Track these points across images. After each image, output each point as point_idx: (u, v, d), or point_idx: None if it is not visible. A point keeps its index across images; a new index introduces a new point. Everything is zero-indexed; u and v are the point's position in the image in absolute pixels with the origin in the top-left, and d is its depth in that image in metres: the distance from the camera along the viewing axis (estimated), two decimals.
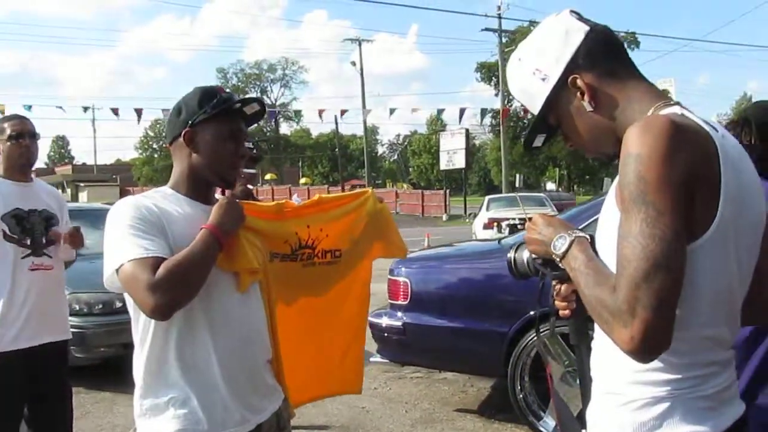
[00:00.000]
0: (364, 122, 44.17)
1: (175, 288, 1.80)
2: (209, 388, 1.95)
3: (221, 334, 1.97)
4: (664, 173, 1.25)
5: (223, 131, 2.03)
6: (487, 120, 57.76)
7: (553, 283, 1.68)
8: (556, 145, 55.37)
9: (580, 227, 1.57)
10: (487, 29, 41.34)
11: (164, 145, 2.68)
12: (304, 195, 49.78)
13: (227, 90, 2.13)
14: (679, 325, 1.31)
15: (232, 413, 1.98)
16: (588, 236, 1.48)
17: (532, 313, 4.71)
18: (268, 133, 75.00)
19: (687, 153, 1.27)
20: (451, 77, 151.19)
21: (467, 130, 41.49)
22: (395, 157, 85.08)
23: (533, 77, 1.54)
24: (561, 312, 1.68)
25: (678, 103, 1.44)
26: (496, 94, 53.88)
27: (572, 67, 1.49)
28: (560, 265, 1.48)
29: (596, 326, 1.50)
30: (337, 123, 43.26)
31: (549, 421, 4.69)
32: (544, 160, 58.47)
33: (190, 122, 2.02)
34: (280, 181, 55.68)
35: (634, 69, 1.52)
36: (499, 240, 5.99)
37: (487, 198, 20.86)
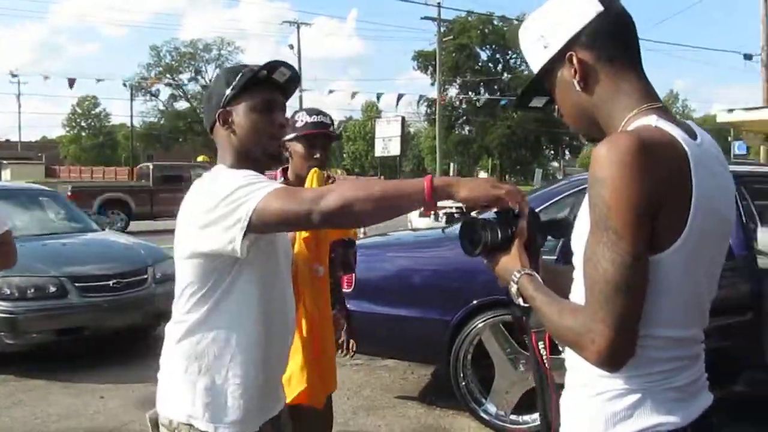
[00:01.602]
0: (300, 105, 43.68)
1: (342, 209, 1.69)
2: (259, 371, 1.95)
3: (275, 319, 1.99)
4: (626, 199, 1.29)
5: (255, 103, 1.98)
6: (423, 108, 58.17)
7: None
8: (489, 135, 56.20)
9: None
10: (426, 18, 41.43)
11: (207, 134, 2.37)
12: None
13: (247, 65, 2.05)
14: (651, 327, 1.37)
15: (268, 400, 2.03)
16: (533, 272, 1.54)
17: (475, 302, 4.81)
18: (201, 114, 73.35)
19: (651, 175, 1.29)
20: (389, 64, 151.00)
21: (403, 118, 41.39)
22: None
23: (537, 42, 1.55)
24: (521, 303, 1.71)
25: (660, 108, 1.47)
26: (433, 83, 54.21)
27: (573, 42, 1.49)
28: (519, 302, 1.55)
29: None
30: None
31: (489, 407, 4.79)
32: (477, 150, 59.14)
33: (221, 103, 1.99)
34: (213, 163, 54.70)
35: (636, 63, 1.51)
36: (443, 229, 6.05)
37: None
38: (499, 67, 61.82)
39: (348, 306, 5.21)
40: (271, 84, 2.02)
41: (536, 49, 1.56)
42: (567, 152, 69.86)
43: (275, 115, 2.01)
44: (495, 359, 4.82)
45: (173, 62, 71.99)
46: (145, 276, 6.95)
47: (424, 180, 1.68)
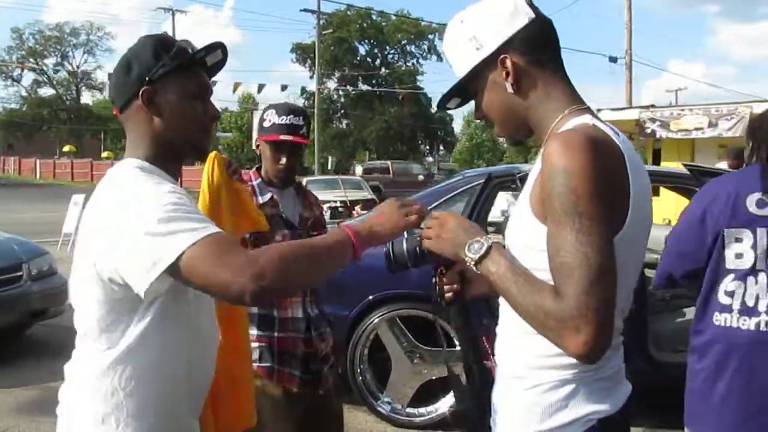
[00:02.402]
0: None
1: (280, 275, 1.43)
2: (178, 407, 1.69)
3: (196, 349, 1.71)
4: (592, 184, 1.35)
5: (190, 88, 1.71)
6: (301, 101, 57.78)
7: (442, 270, 1.76)
8: (366, 129, 56.58)
9: None
10: (305, 10, 41.23)
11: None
12: (107, 168, 46.93)
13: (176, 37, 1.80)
14: None
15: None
16: (501, 242, 1.55)
17: (371, 297, 4.86)
18: (67, 102, 70.06)
19: (607, 165, 1.39)
20: (266, 56, 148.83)
21: None
22: None
23: (469, 43, 1.58)
24: (447, 296, 1.77)
25: (588, 109, 1.56)
26: (311, 76, 53.99)
27: (507, 46, 1.54)
28: (474, 268, 1.50)
29: (502, 315, 1.60)
30: None
31: (386, 401, 4.87)
32: (354, 143, 59.42)
33: (147, 78, 1.66)
34: (80, 154, 52.27)
35: (561, 68, 1.60)
36: (338, 224, 6.06)
37: (304, 180, 20.92)
38: (377, 61, 62.32)
39: None
40: (201, 65, 1.76)
41: (467, 50, 1.59)
42: (441, 147, 71.36)
43: (208, 105, 1.76)
44: (391, 353, 4.89)
45: (37, 46, 67.90)
46: (20, 273, 6.53)
47: (348, 236, 1.59)
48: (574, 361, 1.44)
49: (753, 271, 2.37)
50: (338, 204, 14.72)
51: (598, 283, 1.32)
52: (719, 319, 2.40)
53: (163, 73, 1.67)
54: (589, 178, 1.35)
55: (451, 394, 4.76)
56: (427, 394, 4.81)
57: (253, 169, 2.89)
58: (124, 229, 1.48)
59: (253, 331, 2.76)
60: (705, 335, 2.43)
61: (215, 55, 1.76)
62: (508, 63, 1.54)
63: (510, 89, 1.56)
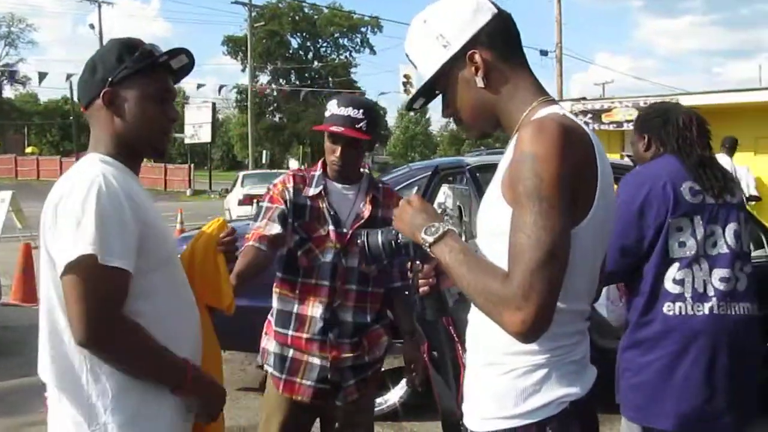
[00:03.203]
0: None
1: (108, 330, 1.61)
2: None
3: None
4: (557, 172, 1.39)
5: (150, 90, 1.80)
6: (232, 95, 57.07)
7: (417, 263, 1.79)
8: (301, 122, 56.22)
9: None
10: (237, 2, 40.56)
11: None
12: (33, 165, 45.59)
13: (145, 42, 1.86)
14: (561, 301, 1.46)
15: None
16: (455, 230, 1.58)
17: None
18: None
19: (575, 153, 1.43)
20: (196, 49, 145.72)
21: (214, 104, 40.66)
22: None
23: (436, 41, 1.59)
24: (421, 289, 1.79)
25: (554, 101, 1.60)
26: (243, 70, 53.39)
27: (474, 42, 1.57)
28: (429, 251, 1.54)
29: (472, 306, 1.63)
30: (71, 89, 39.93)
31: None
32: (289, 137, 58.98)
33: (109, 80, 1.76)
34: (2, 150, 50.39)
35: (525, 61, 1.64)
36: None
37: (241, 174, 20.75)
38: (310, 54, 62.00)
39: None
40: (165, 69, 1.85)
41: (434, 48, 1.61)
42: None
43: (169, 107, 1.86)
44: None
45: None
46: None
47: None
48: (546, 346, 1.49)
49: (697, 257, 2.46)
50: None
51: (545, 267, 1.35)
52: (672, 308, 2.46)
53: (125, 76, 1.77)
54: (555, 164, 1.39)
55: (401, 385, 4.81)
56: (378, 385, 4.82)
57: (321, 160, 2.78)
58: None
59: (274, 328, 2.71)
60: (654, 326, 2.48)
61: (180, 59, 1.86)
62: (477, 58, 1.57)
63: (480, 84, 1.58)
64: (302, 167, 3.23)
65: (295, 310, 2.65)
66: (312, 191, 2.68)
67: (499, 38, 1.59)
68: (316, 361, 2.65)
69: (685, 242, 2.47)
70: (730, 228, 2.50)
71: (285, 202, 2.65)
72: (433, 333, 1.86)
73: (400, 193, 5.47)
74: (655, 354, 2.47)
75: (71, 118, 49.61)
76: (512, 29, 1.63)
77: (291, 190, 2.67)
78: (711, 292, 2.44)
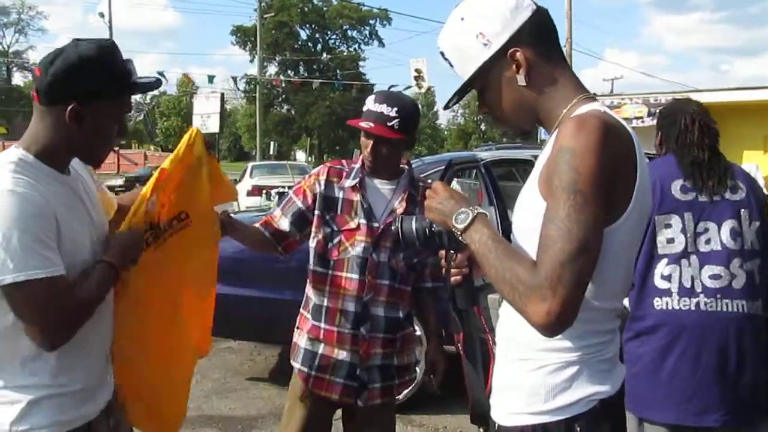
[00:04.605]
0: None
1: (70, 323, 1.74)
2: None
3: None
4: (595, 167, 1.37)
5: (113, 111, 1.83)
6: (241, 85, 57.05)
7: (450, 253, 1.78)
8: (310, 115, 56.24)
9: None
10: None
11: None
12: None
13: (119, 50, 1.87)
14: (595, 298, 1.47)
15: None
16: (487, 213, 1.58)
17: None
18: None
19: (614, 149, 1.41)
20: (205, 39, 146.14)
21: (222, 95, 40.44)
22: (141, 117, 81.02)
23: (475, 40, 1.56)
24: (453, 279, 1.78)
25: (594, 98, 1.58)
26: (252, 60, 53.37)
27: (515, 40, 1.54)
28: (460, 237, 1.54)
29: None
30: None
31: None
32: (297, 130, 59.00)
33: (81, 93, 1.75)
34: (12, 136, 50.50)
35: (563, 56, 1.62)
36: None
37: (249, 165, 20.73)
38: (319, 46, 61.94)
39: None
40: (133, 89, 1.89)
41: (473, 47, 1.58)
42: None
43: (123, 125, 1.89)
44: None
45: None
46: None
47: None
48: (578, 343, 1.49)
49: (685, 253, 2.48)
50: (286, 189, 14.62)
51: (575, 260, 1.34)
52: (660, 303, 2.48)
53: (95, 95, 1.77)
54: (593, 159, 1.38)
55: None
56: None
57: (359, 154, 2.77)
58: None
59: (309, 321, 2.70)
60: (647, 320, 2.51)
61: (149, 79, 1.91)
62: (519, 56, 1.54)
63: (522, 82, 1.56)
64: (309, 159, 3.22)
65: (326, 303, 2.64)
66: (348, 183, 2.66)
67: (540, 35, 1.57)
68: (346, 357, 2.64)
69: (674, 239, 2.49)
70: (727, 225, 2.50)
71: (314, 195, 2.65)
72: (467, 322, 1.85)
73: None
74: (647, 347, 2.50)
75: None
76: (551, 24, 1.60)
77: (323, 182, 2.66)
78: (699, 288, 2.45)
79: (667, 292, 2.47)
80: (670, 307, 2.46)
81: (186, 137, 2.36)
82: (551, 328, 1.36)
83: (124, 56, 1.85)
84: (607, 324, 1.55)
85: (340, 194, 2.65)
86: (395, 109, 2.55)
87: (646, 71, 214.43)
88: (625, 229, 1.47)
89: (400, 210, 2.62)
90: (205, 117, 39.32)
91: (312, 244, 2.67)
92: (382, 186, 2.69)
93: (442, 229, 1.71)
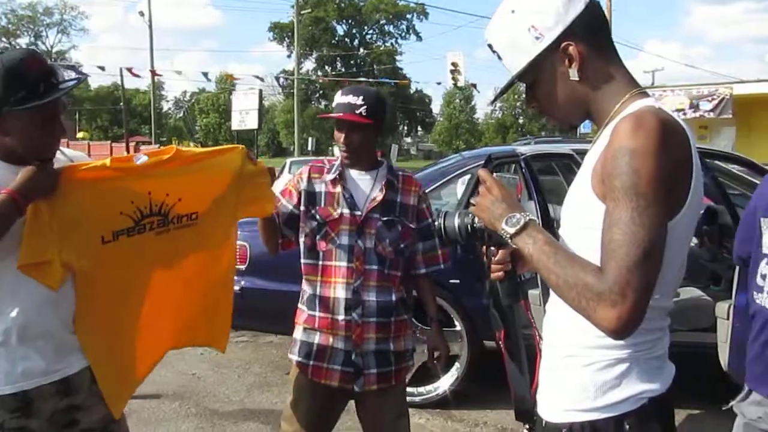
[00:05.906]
0: (153, 76, 41.82)
1: None
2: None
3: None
4: (656, 168, 1.35)
5: (39, 117, 1.92)
6: (279, 81, 57.39)
7: (492, 249, 1.77)
8: None
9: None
10: None
11: None
12: (84, 149, 46.51)
13: (38, 56, 1.95)
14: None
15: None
16: (536, 220, 1.55)
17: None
18: None
19: (673, 149, 1.39)
20: (243, 36, 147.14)
21: (261, 91, 40.88)
22: (181, 114, 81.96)
23: (527, 33, 1.53)
24: (495, 275, 1.77)
25: (647, 93, 1.54)
26: (289, 56, 53.64)
27: (569, 33, 1.51)
28: (510, 241, 1.51)
29: (552, 296, 1.60)
30: (122, 76, 40.68)
31: None
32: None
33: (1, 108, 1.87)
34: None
35: (615, 50, 1.58)
36: None
37: (288, 160, 20.83)
38: (356, 42, 62.04)
39: (243, 283, 5.18)
40: (53, 90, 1.93)
41: (525, 40, 1.55)
42: (419, 128, 71.29)
43: (56, 126, 1.97)
44: None
45: (10, 26, 66.77)
46: None
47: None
48: (629, 341, 1.46)
49: None
50: None
51: (642, 264, 1.32)
52: (758, 297, 2.47)
53: (14, 105, 1.86)
54: (654, 160, 1.35)
55: (451, 373, 4.80)
56: (427, 373, 4.82)
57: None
58: None
59: (304, 312, 2.79)
60: (751, 309, 2.52)
61: (69, 82, 1.98)
62: (572, 50, 1.52)
63: (575, 76, 1.54)
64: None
65: (319, 293, 2.74)
66: (329, 177, 2.80)
67: (592, 28, 1.54)
68: (341, 343, 2.72)
69: None
70: None
71: (299, 193, 2.79)
72: (507, 319, 1.84)
73: (452, 181, 5.46)
74: (752, 332, 2.50)
75: (121, 104, 50.44)
76: (602, 17, 1.57)
77: (305, 179, 2.82)
78: None
79: (761, 289, 2.45)
80: (762, 304, 2.44)
81: (225, 155, 2.49)
82: (622, 332, 1.35)
83: (123, 56, 2.00)
84: (658, 322, 1.53)
85: (321, 188, 2.79)
86: (361, 97, 2.75)
87: (689, 62, 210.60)
88: (682, 226, 1.44)
89: (379, 197, 2.76)
90: (244, 113, 39.84)
91: (301, 239, 2.80)
92: (362, 177, 2.82)
93: (483, 226, 1.70)
